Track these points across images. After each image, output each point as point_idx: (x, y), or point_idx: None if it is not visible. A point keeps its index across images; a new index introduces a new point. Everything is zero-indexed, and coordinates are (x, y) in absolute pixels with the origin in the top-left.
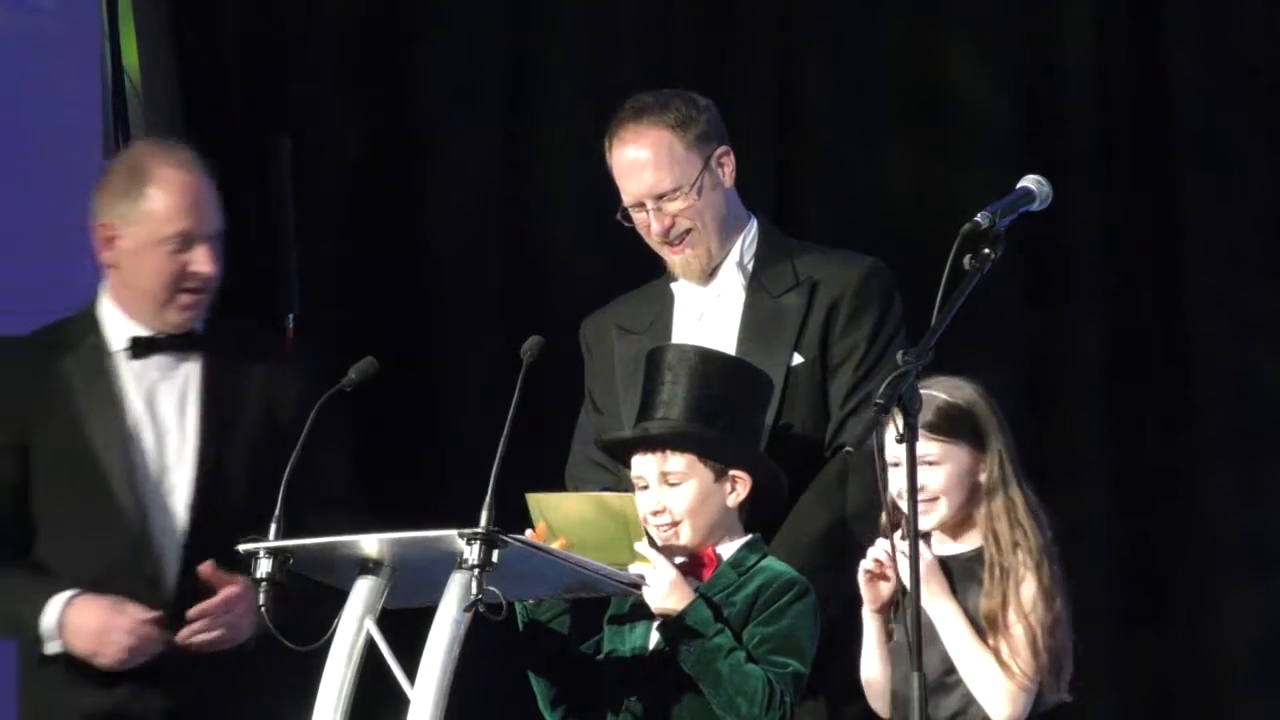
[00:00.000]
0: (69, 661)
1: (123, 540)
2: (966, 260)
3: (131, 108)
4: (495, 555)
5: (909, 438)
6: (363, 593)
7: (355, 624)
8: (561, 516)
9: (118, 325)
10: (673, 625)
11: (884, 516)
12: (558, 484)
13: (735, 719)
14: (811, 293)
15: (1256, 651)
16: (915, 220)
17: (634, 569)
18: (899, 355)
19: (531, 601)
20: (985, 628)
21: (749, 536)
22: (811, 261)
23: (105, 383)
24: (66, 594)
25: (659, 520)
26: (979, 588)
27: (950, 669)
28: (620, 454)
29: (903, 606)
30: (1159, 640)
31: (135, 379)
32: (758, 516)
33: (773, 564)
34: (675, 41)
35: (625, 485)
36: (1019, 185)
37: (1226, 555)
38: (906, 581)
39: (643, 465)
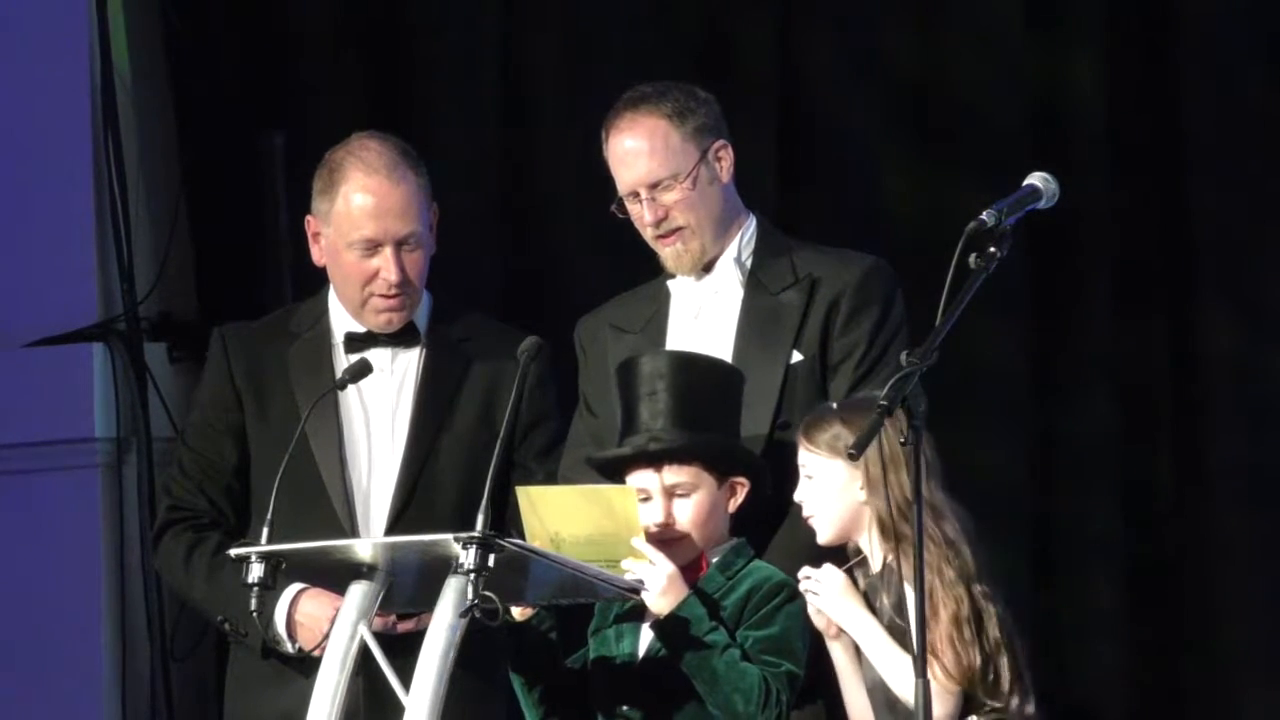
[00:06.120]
0: (277, 657)
1: (329, 531)
2: (972, 259)
3: (121, 106)
4: (491, 559)
5: (914, 439)
6: (357, 598)
7: (349, 629)
8: (554, 510)
9: (340, 317)
10: (668, 622)
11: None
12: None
13: (731, 718)
14: (811, 290)
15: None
16: (917, 218)
17: (629, 564)
18: (902, 356)
19: (518, 614)
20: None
21: (735, 540)
22: (811, 259)
23: (323, 374)
24: (294, 588)
25: (667, 535)
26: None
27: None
28: (615, 471)
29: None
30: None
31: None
32: (740, 516)
33: (761, 567)
34: (676, 40)
35: None
36: (1025, 183)
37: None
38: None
39: (646, 479)
